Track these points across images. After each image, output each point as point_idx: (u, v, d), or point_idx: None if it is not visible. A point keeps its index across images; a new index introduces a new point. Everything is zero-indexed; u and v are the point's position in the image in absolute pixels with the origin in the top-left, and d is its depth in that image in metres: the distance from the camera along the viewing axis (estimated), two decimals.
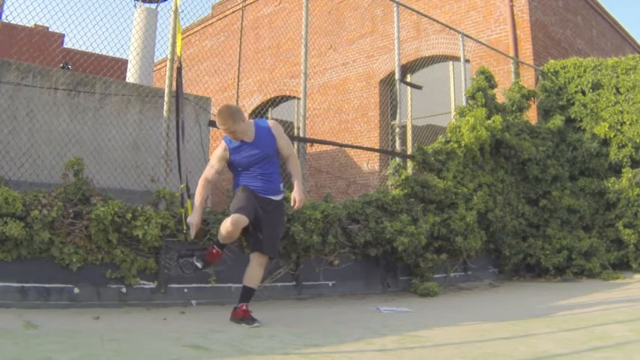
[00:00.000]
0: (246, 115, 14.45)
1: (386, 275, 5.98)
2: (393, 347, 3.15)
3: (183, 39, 8.19)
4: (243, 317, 3.71)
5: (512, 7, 9.60)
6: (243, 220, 3.58)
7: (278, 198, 3.91)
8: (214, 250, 3.81)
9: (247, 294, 3.81)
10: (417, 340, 3.36)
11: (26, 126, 5.69)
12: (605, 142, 8.31)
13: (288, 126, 9.58)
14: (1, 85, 5.45)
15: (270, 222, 3.80)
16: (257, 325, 3.63)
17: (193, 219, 3.82)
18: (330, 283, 5.47)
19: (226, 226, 3.58)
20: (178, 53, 4.61)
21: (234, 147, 3.81)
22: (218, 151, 3.86)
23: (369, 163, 10.99)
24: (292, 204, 3.93)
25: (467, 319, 4.23)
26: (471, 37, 8.65)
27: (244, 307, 3.76)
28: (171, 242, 4.51)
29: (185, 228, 4.08)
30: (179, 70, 4.60)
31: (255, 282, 3.83)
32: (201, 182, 3.84)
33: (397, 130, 6.98)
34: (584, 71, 8.86)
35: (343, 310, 4.67)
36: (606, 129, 8.23)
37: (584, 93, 8.73)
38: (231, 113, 3.71)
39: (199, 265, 3.83)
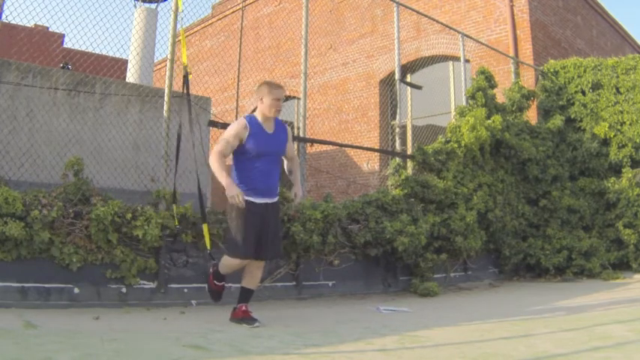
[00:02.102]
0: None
1: (386, 275, 5.98)
2: (393, 347, 3.15)
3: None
4: (243, 317, 3.70)
5: (512, 7, 9.61)
6: (249, 262, 3.69)
7: (276, 200, 3.84)
8: (216, 287, 3.89)
9: (246, 294, 3.80)
10: (417, 340, 3.36)
11: (26, 126, 5.68)
12: (605, 142, 8.31)
13: (288, 126, 9.55)
14: (1, 85, 5.45)
15: (271, 226, 3.72)
16: (257, 325, 3.62)
17: (234, 189, 3.46)
18: (330, 283, 5.47)
19: (232, 265, 3.70)
20: (184, 62, 4.51)
21: (255, 131, 3.62)
22: (236, 128, 3.61)
23: (369, 163, 10.99)
24: (293, 197, 3.93)
25: (467, 319, 4.23)
26: (471, 37, 8.65)
27: (244, 308, 3.74)
28: (172, 242, 4.52)
29: (209, 247, 4.07)
30: (186, 79, 4.52)
31: (253, 283, 3.82)
32: (217, 157, 3.52)
33: (397, 130, 6.98)
34: (584, 71, 8.86)
35: (343, 310, 4.67)
36: (606, 129, 8.23)
37: (584, 93, 8.73)
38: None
39: (211, 298, 3.96)
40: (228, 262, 3.71)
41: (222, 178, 3.47)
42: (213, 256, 4.04)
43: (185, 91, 4.52)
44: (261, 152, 3.63)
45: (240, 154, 3.67)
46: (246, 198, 3.54)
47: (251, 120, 3.67)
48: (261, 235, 3.63)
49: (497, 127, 7.20)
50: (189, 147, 4.75)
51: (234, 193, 3.45)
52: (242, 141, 3.61)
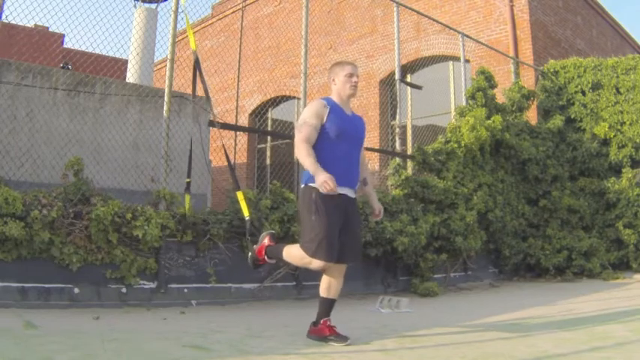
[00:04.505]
0: (246, 115, 14.39)
1: (386, 275, 5.98)
2: (393, 347, 3.15)
3: (182, 39, 8.23)
4: (330, 335, 3.17)
5: (512, 7, 9.60)
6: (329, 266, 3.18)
7: (355, 196, 3.38)
8: (262, 261, 3.52)
9: (328, 306, 3.29)
10: (417, 340, 3.36)
11: (26, 126, 5.69)
12: (605, 142, 8.31)
13: (288, 126, 9.56)
14: (1, 85, 5.45)
15: (353, 223, 3.29)
16: (350, 343, 3.12)
17: (324, 174, 2.98)
18: None
19: (305, 263, 3.16)
20: (193, 47, 4.68)
21: (335, 110, 3.26)
22: (315, 107, 3.25)
23: (368, 163, 10.98)
24: (377, 213, 3.50)
25: (467, 319, 4.22)
26: (471, 37, 8.65)
27: (328, 323, 3.22)
28: (172, 242, 4.52)
29: (247, 214, 3.96)
30: (197, 62, 4.72)
31: (335, 292, 3.29)
32: (304, 145, 3.13)
33: (397, 130, 6.98)
34: (584, 71, 8.86)
35: (343, 310, 4.65)
36: (606, 129, 8.23)
37: (584, 93, 8.74)
38: None
39: (250, 263, 3.60)
40: (300, 257, 3.18)
41: (310, 165, 3.06)
42: (254, 224, 3.89)
43: (198, 73, 4.61)
44: (342, 132, 3.23)
45: (320, 139, 3.23)
46: None
47: (329, 100, 3.31)
48: (343, 233, 3.19)
49: (497, 127, 7.20)
50: (189, 146, 4.75)
51: (325, 178, 2.95)
52: (322, 120, 3.22)
